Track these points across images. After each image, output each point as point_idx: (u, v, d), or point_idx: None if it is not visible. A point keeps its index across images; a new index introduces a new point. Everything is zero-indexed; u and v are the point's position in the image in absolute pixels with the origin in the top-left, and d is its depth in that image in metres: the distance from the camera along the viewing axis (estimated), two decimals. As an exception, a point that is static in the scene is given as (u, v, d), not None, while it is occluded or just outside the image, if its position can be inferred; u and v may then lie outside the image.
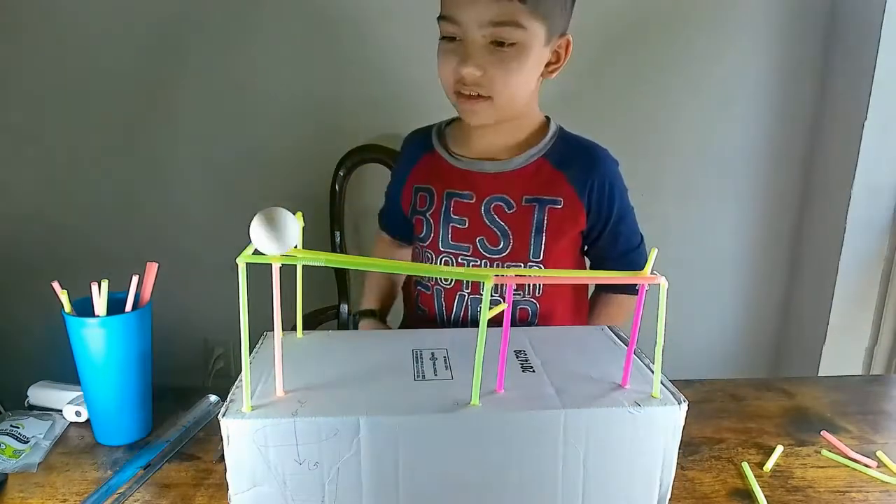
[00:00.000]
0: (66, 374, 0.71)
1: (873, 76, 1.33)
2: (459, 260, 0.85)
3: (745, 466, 0.67)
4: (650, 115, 1.48)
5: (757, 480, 0.64)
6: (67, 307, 0.66)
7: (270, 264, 0.48)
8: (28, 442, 0.68)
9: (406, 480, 0.48)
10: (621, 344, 0.62)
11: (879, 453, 0.70)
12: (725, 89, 1.47)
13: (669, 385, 0.52)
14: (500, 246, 0.84)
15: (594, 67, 1.42)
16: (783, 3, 1.43)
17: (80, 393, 0.72)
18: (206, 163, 1.42)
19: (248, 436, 0.46)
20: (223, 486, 0.47)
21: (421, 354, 0.58)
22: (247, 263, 0.44)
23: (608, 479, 0.50)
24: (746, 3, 1.43)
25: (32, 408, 0.76)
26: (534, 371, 0.55)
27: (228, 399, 0.48)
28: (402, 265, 0.49)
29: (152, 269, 0.69)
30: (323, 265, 0.48)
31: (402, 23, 1.34)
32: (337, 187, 1.32)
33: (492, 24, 0.75)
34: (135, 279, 0.69)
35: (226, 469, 0.47)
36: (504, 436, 0.48)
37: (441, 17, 0.79)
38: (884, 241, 1.43)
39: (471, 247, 0.85)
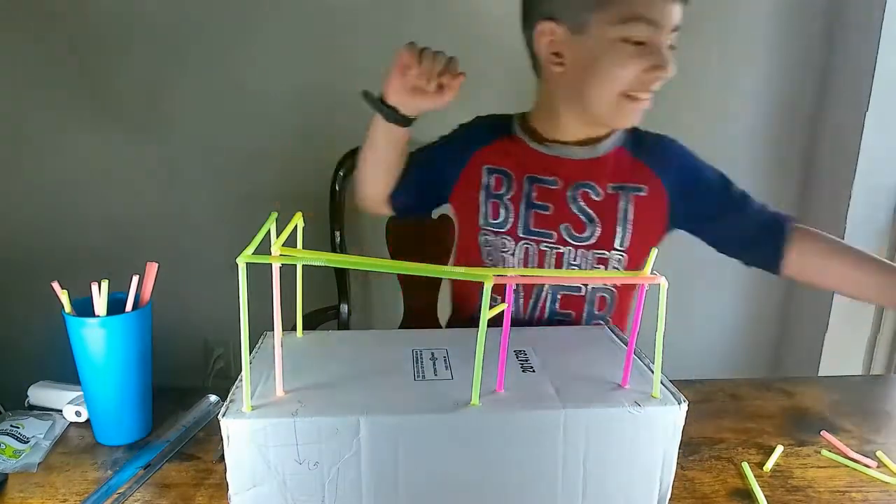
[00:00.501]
0: (66, 374, 0.71)
1: (873, 76, 1.33)
2: (542, 247, 0.83)
3: (745, 466, 0.67)
4: (649, 116, 1.48)
5: (757, 480, 0.64)
6: (67, 307, 0.66)
7: (270, 264, 0.48)
8: (28, 442, 0.68)
9: (406, 480, 0.48)
10: (621, 344, 0.62)
11: (879, 453, 0.70)
12: (725, 89, 1.47)
13: (669, 385, 0.52)
14: (586, 233, 0.83)
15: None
16: (784, 3, 1.43)
17: (80, 393, 0.72)
18: (206, 162, 1.42)
19: (248, 436, 0.46)
20: (223, 486, 0.47)
21: (421, 354, 0.58)
22: (247, 263, 0.44)
23: (608, 479, 0.50)
24: (747, 3, 1.43)
25: (32, 408, 0.76)
26: (534, 371, 0.55)
27: (228, 399, 0.48)
28: (402, 265, 0.49)
29: (152, 269, 0.69)
30: (323, 265, 0.48)
31: (402, 23, 1.34)
32: (337, 187, 1.32)
33: (675, 29, 0.78)
34: (135, 279, 0.69)
35: (226, 469, 0.47)
36: (504, 436, 0.48)
37: (634, 19, 0.76)
38: (884, 241, 1.43)
39: (555, 234, 0.83)
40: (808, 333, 1.53)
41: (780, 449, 0.70)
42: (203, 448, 0.69)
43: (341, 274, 1.36)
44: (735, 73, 1.46)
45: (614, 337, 0.64)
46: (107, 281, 0.67)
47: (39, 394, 0.76)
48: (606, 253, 0.83)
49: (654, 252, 0.52)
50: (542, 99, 0.87)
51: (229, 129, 1.41)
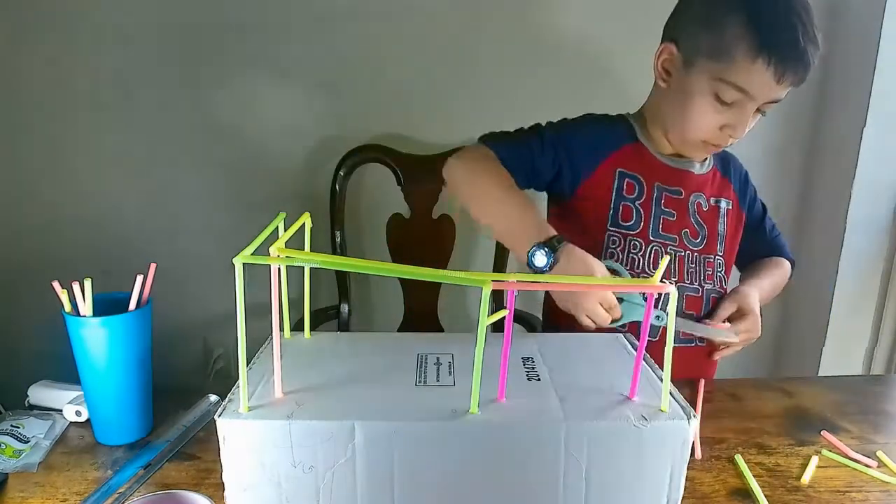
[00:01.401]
0: (67, 374, 0.71)
1: (873, 76, 1.33)
2: (668, 250, 0.91)
3: (739, 459, 0.67)
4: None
5: (757, 480, 0.64)
6: (67, 307, 0.66)
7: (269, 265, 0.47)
8: (28, 442, 0.69)
9: (401, 487, 0.47)
10: (634, 353, 0.60)
11: (879, 453, 0.70)
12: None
13: (679, 398, 0.50)
14: (699, 239, 0.93)
15: (596, 68, 1.42)
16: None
17: (81, 393, 0.72)
18: (206, 163, 1.42)
19: (244, 437, 0.46)
20: (223, 486, 0.47)
21: (426, 359, 0.57)
22: (247, 264, 0.44)
23: (611, 495, 0.48)
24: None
25: (32, 407, 0.76)
26: (539, 379, 0.53)
27: (227, 399, 0.48)
28: (399, 269, 0.48)
29: (151, 269, 0.69)
30: (320, 267, 0.48)
31: (402, 23, 1.34)
32: (337, 187, 1.32)
33: (772, 102, 0.83)
34: (139, 279, 0.69)
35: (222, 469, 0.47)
36: (502, 446, 0.47)
37: (730, 84, 0.80)
38: (884, 241, 1.43)
39: (677, 238, 0.92)
40: (808, 333, 1.53)
41: (815, 460, 0.69)
42: (203, 448, 0.69)
43: (342, 274, 1.36)
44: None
45: (627, 345, 0.62)
46: (89, 280, 0.66)
47: (39, 393, 0.76)
48: (711, 257, 0.94)
49: (665, 260, 0.52)
50: (652, 106, 0.94)
51: (229, 130, 1.40)
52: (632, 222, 0.90)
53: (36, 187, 1.40)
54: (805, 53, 0.78)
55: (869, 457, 0.69)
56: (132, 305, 0.68)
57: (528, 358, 0.58)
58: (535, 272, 0.76)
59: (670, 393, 0.50)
